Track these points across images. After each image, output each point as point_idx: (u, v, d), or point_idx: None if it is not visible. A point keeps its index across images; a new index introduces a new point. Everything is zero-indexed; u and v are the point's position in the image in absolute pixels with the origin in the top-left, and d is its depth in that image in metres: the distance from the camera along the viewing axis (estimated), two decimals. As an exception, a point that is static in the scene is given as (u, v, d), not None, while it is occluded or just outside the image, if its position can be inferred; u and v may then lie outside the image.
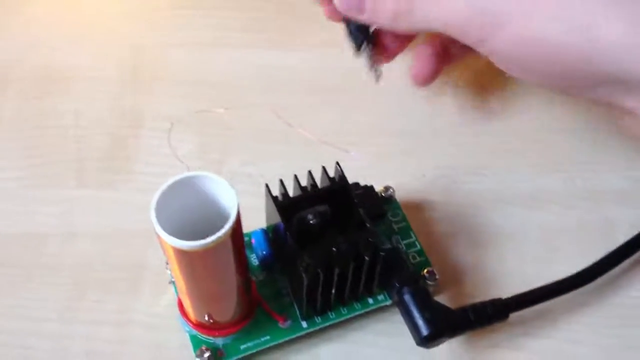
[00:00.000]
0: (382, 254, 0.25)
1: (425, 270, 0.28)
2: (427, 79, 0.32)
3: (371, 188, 0.30)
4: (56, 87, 0.37)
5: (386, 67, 0.32)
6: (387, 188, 0.31)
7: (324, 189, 0.27)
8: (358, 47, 0.31)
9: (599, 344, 0.28)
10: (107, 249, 0.31)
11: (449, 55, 0.33)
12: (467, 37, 0.27)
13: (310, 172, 0.27)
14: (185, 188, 0.21)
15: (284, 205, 0.26)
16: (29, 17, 0.40)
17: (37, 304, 0.29)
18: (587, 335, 0.28)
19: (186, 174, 0.21)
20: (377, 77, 0.31)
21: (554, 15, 0.25)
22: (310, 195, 0.26)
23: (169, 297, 0.28)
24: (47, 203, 0.32)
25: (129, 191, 0.32)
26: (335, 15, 0.31)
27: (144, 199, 0.31)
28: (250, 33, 0.39)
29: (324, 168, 0.27)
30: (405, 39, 0.32)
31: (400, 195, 0.31)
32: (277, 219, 0.26)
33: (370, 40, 0.31)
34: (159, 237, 0.21)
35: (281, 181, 0.27)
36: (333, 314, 0.27)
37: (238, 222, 0.21)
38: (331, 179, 0.27)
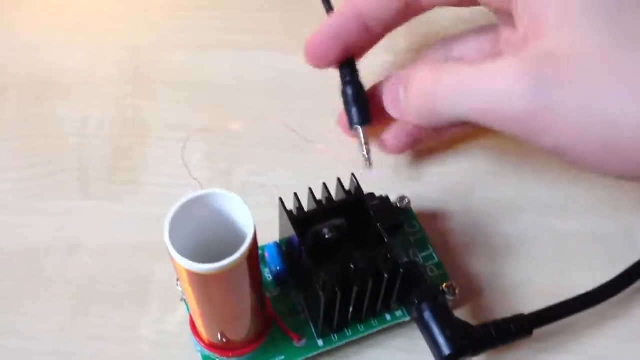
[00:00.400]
0: (401, 270, 0.24)
1: (445, 285, 0.27)
2: (397, 151, 0.31)
3: (387, 199, 0.29)
4: (55, 92, 0.35)
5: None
6: (402, 198, 0.30)
7: (339, 202, 0.26)
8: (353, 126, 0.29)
9: (627, 358, 0.27)
10: (111, 262, 0.30)
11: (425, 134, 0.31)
12: (516, 130, 0.23)
13: (325, 185, 0.26)
14: (199, 206, 0.20)
15: (299, 219, 0.25)
16: (24, 20, 0.38)
17: (39, 320, 0.28)
18: (614, 351, 0.27)
19: (200, 191, 0.20)
20: (369, 164, 0.29)
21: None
22: (325, 208, 0.25)
23: (180, 314, 0.27)
24: (48, 214, 0.31)
25: (134, 203, 0.31)
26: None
27: (150, 210, 0.31)
28: (253, 34, 0.38)
29: (339, 180, 0.26)
30: (412, 140, 0.31)
31: (415, 205, 0.30)
32: (290, 232, 0.25)
33: (366, 122, 0.29)
34: (172, 259, 0.20)
35: (296, 195, 0.26)
36: (350, 331, 0.26)
37: (254, 243, 0.20)
38: (347, 192, 0.26)
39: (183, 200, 0.20)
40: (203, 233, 0.21)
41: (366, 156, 0.29)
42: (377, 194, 0.29)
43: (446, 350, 0.24)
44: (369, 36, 0.28)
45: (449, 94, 0.24)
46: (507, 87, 0.22)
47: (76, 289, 0.29)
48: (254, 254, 0.21)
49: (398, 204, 0.30)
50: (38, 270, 0.29)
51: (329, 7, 0.30)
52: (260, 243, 0.27)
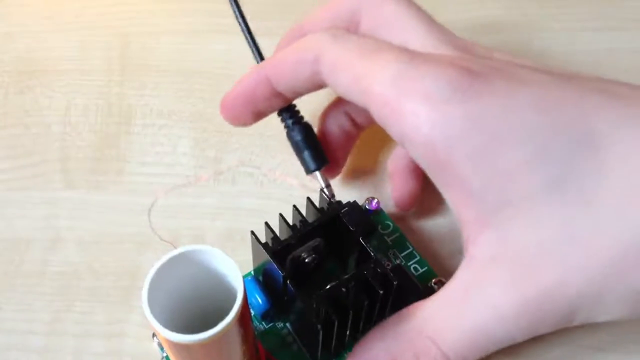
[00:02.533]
0: (395, 283, 0.23)
1: (433, 281, 0.26)
2: (410, 200, 0.29)
3: (355, 204, 0.27)
4: (38, 81, 0.34)
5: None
6: (370, 200, 0.28)
7: (315, 223, 0.24)
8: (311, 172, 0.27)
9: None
10: (96, 255, 0.29)
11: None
12: None
13: (295, 207, 0.24)
14: (179, 266, 0.18)
15: (278, 251, 0.23)
16: (7, 7, 0.37)
17: (21, 316, 0.27)
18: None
19: (179, 249, 0.18)
20: (331, 196, 0.27)
21: None
22: (302, 233, 0.24)
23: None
24: (30, 206, 0.30)
25: (119, 193, 0.30)
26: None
27: (135, 201, 0.30)
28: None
29: (309, 199, 0.25)
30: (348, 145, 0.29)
31: (384, 205, 0.29)
32: (263, 260, 0.23)
33: (321, 164, 0.27)
34: (154, 330, 0.18)
35: (267, 224, 0.24)
36: (347, 353, 0.25)
37: (244, 301, 0.18)
38: (319, 210, 0.25)
39: (162, 260, 0.18)
40: (186, 293, 0.19)
41: (328, 195, 0.27)
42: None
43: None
44: (280, 100, 0.26)
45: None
46: None
47: (59, 282, 0.28)
48: (245, 312, 0.19)
49: (367, 206, 0.28)
50: (20, 265, 0.28)
51: (260, 58, 0.28)
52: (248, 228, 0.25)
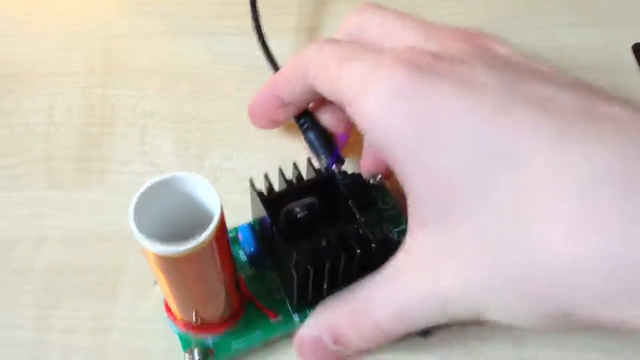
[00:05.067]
0: (373, 245, 0.24)
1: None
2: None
3: (359, 176, 0.29)
4: (21, 84, 0.35)
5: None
6: (375, 175, 0.30)
7: (310, 181, 0.26)
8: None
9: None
10: (81, 252, 0.29)
11: None
12: None
13: (295, 164, 0.26)
14: (164, 190, 0.20)
15: (270, 199, 0.25)
16: None
17: (8, 313, 0.28)
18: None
19: (164, 175, 0.20)
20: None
21: None
22: (296, 188, 0.26)
23: (155, 297, 0.28)
24: (15, 206, 0.31)
25: (103, 192, 0.31)
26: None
27: (119, 199, 0.30)
28: (226, 20, 0.37)
29: (309, 160, 0.26)
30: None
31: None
32: (262, 213, 0.25)
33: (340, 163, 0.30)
34: (139, 243, 0.20)
35: (266, 175, 0.26)
36: (325, 306, 0.27)
37: (222, 222, 0.20)
38: (317, 171, 0.26)
39: (147, 184, 0.20)
40: (170, 217, 0.21)
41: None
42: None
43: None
44: (293, 108, 0.29)
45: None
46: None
47: (46, 280, 0.29)
48: (223, 234, 0.21)
49: (371, 181, 0.30)
50: (6, 263, 0.29)
51: (275, 67, 0.33)
52: (234, 226, 0.28)
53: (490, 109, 0.21)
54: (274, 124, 0.31)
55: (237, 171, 0.32)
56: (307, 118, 0.30)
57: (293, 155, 0.27)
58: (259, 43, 0.34)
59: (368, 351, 0.25)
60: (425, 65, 0.22)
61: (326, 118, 0.30)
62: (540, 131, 0.20)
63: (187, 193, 0.21)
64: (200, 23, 0.37)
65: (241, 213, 0.27)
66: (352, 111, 0.24)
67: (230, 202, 0.24)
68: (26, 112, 0.34)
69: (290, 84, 0.28)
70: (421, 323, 0.23)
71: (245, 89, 0.34)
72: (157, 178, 0.20)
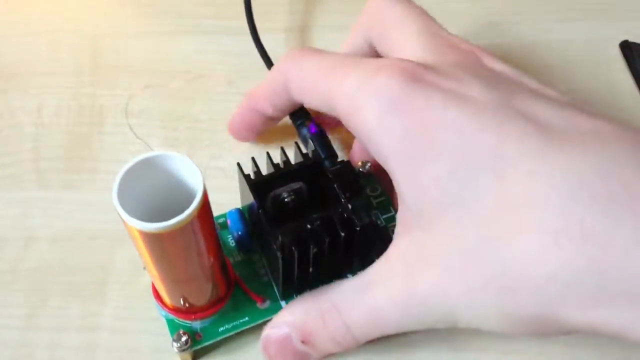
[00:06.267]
0: (357, 229, 0.24)
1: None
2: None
3: (348, 163, 0.29)
4: (9, 84, 0.35)
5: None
6: (364, 163, 0.30)
7: (297, 165, 0.26)
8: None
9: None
10: (69, 252, 0.29)
11: None
12: None
13: (282, 149, 0.26)
14: (148, 168, 0.21)
15: (257, 183, 0.25)
16: None
17: None
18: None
19: (148, 154, 0.21)
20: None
21: None
22: (283, 172, 0.26)
23: (144, 282, 0.28)
24: (4, 206, 0.31)
25: (92, 191, 0.31)
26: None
27: (108, 198, 0.29)
28: (217, 19, 0.38)
29: (296, 144, 0.27)
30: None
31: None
32: (251, 198, 0.25)
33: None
34: (122, 220, 0.20)
35: (253, 159, 0.26)
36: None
37: (204, 201, 0.20)
38: (304, 155, 0.26)
39: (131, 162, 0.20)
40: (154, 196, 0.21)
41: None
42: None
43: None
44: (277, 120, 0.30)
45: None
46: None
47: (34, 280, 0.29)
48: (206, 212, 0.21)
49: (360, 169, 0.30)
50: None
51: (269, 63, 0.34)
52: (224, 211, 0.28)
53: (478, 120, 0.21)
54: (257, 135, 0.32)
55: (226, 170, 0.32)
56: (298, 116, 0.30)
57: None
58: (254, 41, 0.34)
59: (333, 354, 0.26)
60: (419, 76, 0.22)
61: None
62: (524, 142, 0.20)
63: (171, 172, 0.21)
64: (187, 23, 0.37)
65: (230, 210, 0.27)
66: (348, 124, 0.24)
67: (219, 201, 0.24)
68: (15, 112, 0.34)
69: (269, 100, 0.28)
70: (393, 329, 0.24)
71: (233, 89, 0.35)
72: (142, 156, 0.20)
